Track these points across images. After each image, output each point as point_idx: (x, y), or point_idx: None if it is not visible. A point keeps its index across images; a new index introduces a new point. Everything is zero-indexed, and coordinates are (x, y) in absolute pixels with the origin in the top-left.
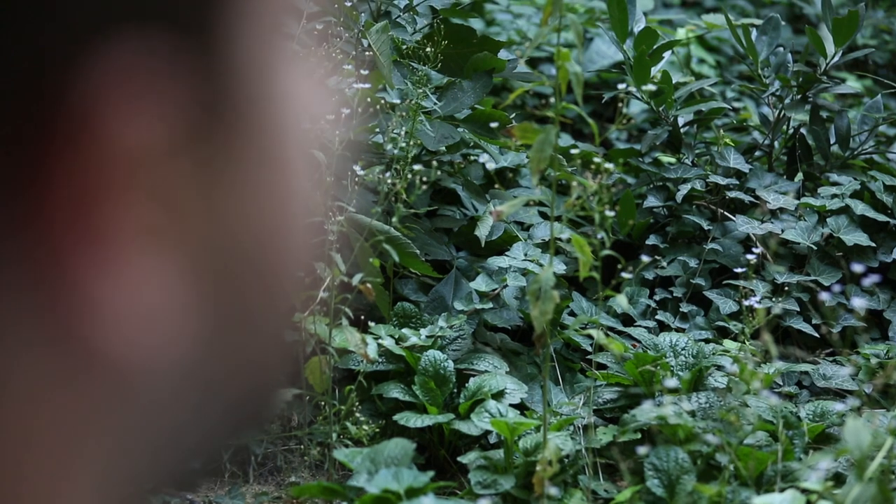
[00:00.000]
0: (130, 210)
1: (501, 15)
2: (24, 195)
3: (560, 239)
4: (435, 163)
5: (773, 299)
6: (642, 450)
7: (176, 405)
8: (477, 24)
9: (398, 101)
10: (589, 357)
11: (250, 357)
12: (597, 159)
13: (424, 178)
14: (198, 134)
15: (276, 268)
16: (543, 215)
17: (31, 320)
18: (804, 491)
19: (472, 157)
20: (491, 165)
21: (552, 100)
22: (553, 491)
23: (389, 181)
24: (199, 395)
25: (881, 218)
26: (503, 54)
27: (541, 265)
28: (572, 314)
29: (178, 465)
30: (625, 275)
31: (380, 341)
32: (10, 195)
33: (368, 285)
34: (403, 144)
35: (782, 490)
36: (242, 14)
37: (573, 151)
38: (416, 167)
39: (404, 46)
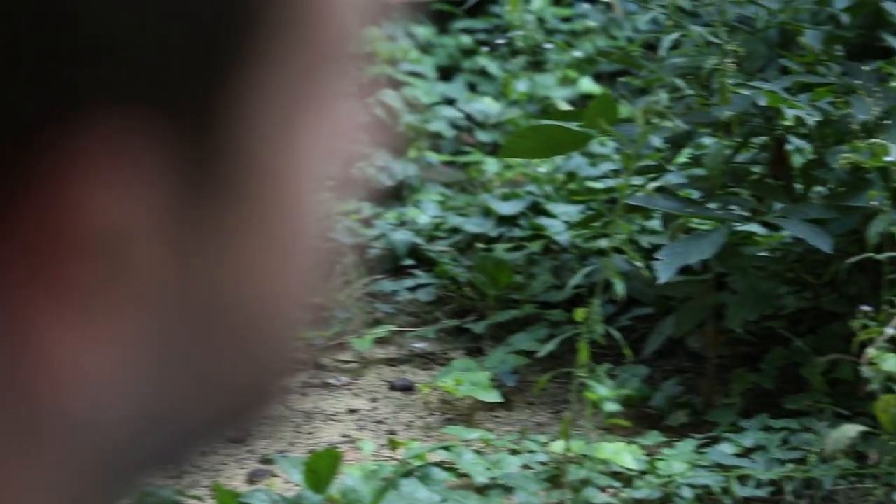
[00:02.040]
0: (91, 272)
1: None
2: None
3: None
4: None
5: None
6: None
7: (126, 445)
8: None
9: None
10: None
11: (215, 399)
12: None
13: None
14: (178, 209)
15: (266, 332)
16: None
17: None
18: None
19: None
20: None
21: None
22: None
23: None
24: (152, 432)
25: None
26: None
27: None
28: None
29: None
30: None
31: None
32: None
33: None
34: None
35: None
36: (250, 90)
37: None
38: None
39: None
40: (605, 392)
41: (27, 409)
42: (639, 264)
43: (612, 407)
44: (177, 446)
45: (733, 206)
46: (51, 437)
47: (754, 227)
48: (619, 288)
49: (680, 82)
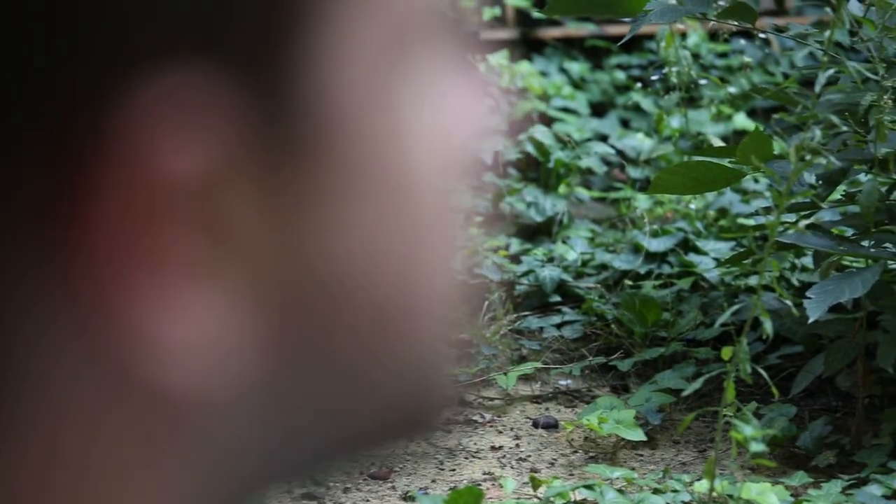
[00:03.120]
0: (178, 240)
1: None
2: (61, 216)
3: None
4: None
5: None
6: None
7: (250, 434)
8: None
9: None
10: None
11: (354, 387)
12: None
13: None
14: (261, 167)
15: (396, 305)
16: None
17: (74, 346)
18: None
19: None
20: None
21: None
22: None
23: None
24: (281, 423)
25: None
26: None
27: None
28: None
29: (267, 486)
30: None
31: None
32: (47, 215)
33: None
34: None
35: None
36: (326, 46)
37: None
38: None
39: None
40: (750, 432)
41: (132, 397)
42: (788, 302)
43: (757, 447)
44: (309, 457)
45: (887, 244)
46: (165, 428)
47: None
48: (768, 326)
49: (835, 119)
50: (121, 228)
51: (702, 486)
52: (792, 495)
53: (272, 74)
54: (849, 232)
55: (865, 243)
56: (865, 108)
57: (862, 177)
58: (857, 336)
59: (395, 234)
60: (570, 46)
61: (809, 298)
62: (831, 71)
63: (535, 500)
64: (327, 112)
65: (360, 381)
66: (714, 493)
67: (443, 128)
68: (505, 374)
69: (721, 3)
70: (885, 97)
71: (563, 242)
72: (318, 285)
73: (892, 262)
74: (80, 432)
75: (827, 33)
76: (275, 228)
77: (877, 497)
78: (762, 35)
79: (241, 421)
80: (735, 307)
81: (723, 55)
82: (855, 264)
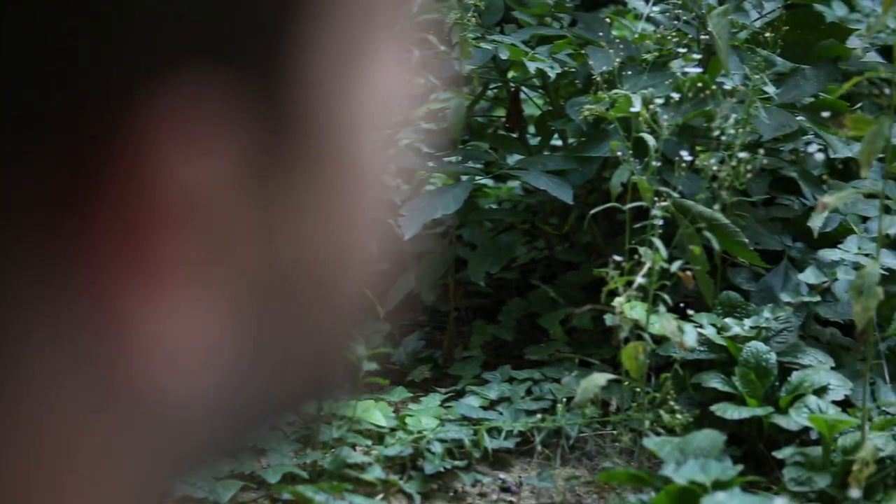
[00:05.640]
0: (179, 243)
1: (866, 0)
2: (68, 216)
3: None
4: (762, 151)
5: None
6: None
7: (210, 421)
8: (840, 9)
9: (734, 87)
10: None
11: (296, 372)
12: None
13: (751, 166)
14: (258, 170)
15: (333, 292)
16: (889, 208)
17: (66, 339)
18: None
19: (813, 147)
20: (820, 156)
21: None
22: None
23: (715, 167)
24: (237, 409)
25: None
26: (853, 42)
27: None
28: None
29: (211, 465)
30: None
31: (700, 330)
32: (54, 213)
33: (688, 272)
34: (734, 131)
35: None
36: (312, 42)
37: None
38: (745, 155)
39: (744, 31)
40: (363, 352)
41: (114, 386)
42: (391, 221)
43: (370, 366)
44: (255, 428)
45: (471, 161)
46: (139, 412)
47: (490, 181)
48: (371, 245)
49: (432, 38)
50: (124, 229)
51: (307, 405)
52: (394, 411)
53: (271, 80)
54: (425, 149)
55: (452, 160)
56: (450, 25)
57: (443, 94)
58: (448, 252)
59: (339, 223)
60: None
61: (403, 216)
62: None
63: None
64: (312, 114)
65: (296, 357)
66: (321, 413)
67: (385, 115)
68: None
69: None
70: (468, 15)
71: None
72: (288, 272)
73: (478, 178)
74: (60, 423)
75: None
76: (263, 229)
77: (475, 408)
78: None
79: (205, 405)
80: None
81: None
82: (432, 181)
